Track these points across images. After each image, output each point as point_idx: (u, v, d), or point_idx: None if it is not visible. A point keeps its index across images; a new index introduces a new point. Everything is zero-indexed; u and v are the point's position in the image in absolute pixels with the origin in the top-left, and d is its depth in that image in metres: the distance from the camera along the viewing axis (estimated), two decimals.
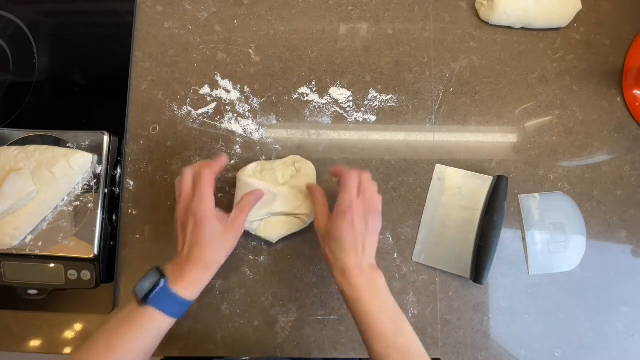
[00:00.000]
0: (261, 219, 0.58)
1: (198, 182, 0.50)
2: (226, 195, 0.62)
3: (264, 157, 0.63)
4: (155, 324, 0.46)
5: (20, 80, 0.66)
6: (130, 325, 0.45)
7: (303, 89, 0.65)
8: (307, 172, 0.60)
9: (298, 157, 0.61)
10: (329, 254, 0.50)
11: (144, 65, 0.65)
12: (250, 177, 0.58)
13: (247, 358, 0.61)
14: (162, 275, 0.47)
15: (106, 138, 0.60)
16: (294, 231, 0.60)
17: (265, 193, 0.56)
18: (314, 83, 0.65)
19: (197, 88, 0.65)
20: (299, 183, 0.59)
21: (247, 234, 0.59)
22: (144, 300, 0.45)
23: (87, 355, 0.44)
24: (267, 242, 0.60)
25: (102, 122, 0.63)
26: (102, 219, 0.58)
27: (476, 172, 0.63)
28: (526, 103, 0.65)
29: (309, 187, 0.57)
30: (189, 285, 0.47)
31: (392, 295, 0.49)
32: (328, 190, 0.58)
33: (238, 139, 0.64)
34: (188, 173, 0.51)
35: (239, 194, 0.57)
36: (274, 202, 0.57)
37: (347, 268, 0.48)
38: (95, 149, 0.60)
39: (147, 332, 0.46)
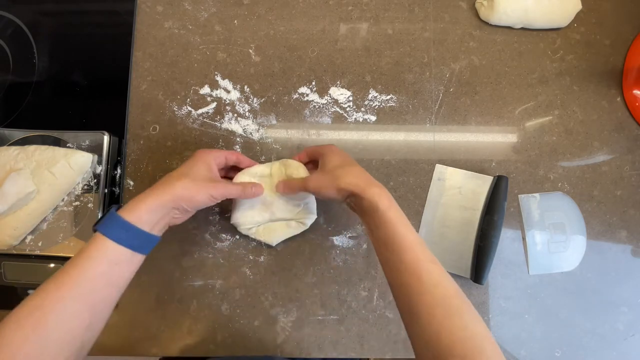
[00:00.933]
0: (260, 225, 0.58)
1: (228, 152, 0.54)
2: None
3: (264, 157, 0.63)
4: (104, 251, 0.43)
5: (20, 80, 0.66)
6: (81, 254, 0.43)
7: (303, 89, 0.65)
8: (300, 174, 0.58)
9: (286, 160, 0.58)
10: (341, 183, 0.48)
11: (144, 65, 0.65)
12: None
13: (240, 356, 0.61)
14: (116, 205, 0.46)
15: (106, 138, 0.60)
16: (293, 234, 0.60)
17: (264, 200, 0.56)
18: (314, 83, 0.65)
19: (197, 88, 0.65)
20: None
21: (246, 236, 0.59)
22: (94, 227, 0.44)
23: (42, 287, 0.41)
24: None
25: (102, 122, 0.63)
26: None
27: (476, 172, 0.63)
28: (526, 103, 0.65)
29: (286, 183, 0.56)
30: (140, 212, 0.44)
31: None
32: None
33: (238, 139, 0.64)
34: (230, 152, 0.55)
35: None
36: (273, 209, 0.57)
37: (366, 185, 0.47)
38: (95, 149, 0.60)
39: (97, 260, 0.42)
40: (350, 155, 0.63)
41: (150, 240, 0.46)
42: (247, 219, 0.57)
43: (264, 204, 0.57)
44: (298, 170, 0.56)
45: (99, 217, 0.45)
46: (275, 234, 0.59)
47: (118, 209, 0.45)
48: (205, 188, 0.48)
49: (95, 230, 0.44)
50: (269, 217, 0.57)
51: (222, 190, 0.50)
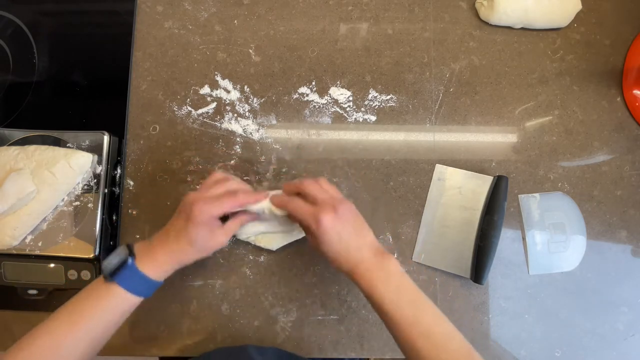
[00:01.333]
0: (259, 234, 0.58)
1: (226, 197, 0.49)
2: None
3: (263, 158, 0.63)
4: (120, 302, 0.46)
5: (20, 80, 0.66)
6: (95, 301, 0.45)
7: (303, 89, 0.65)
8: None
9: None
10: (332, 263, 0.49)
11: (144, 65, 0.65)
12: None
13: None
14: (131, 252, 0.47)
15: (106, 138, 0.60)
16: (293, 240, 0.59)
17: (264, 213, 0.54)
18: (314, 83, 0.65)
19: (197, 88, 0.65)
20: None
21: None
22: (110, 276, 0.45)
23: (49, 330, 0.44)
24: None
25: (102, 122, 0.63)
26: (102, 219, 0.58)
27: (476, 172, 0.63)
28: (526, 103, 0.65)
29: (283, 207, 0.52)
30: (156, 267, 0.47)
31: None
32: None
33: (238, 139, 0.64)
34: (232, 182, 0.52)
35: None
36: (274, 222, 0.56)
37: (352, 268, 0.47)
38: (95, 149, 0.60)
39: (112, 310, 0.46)
40: (350, 155, 0.63)
41: (159, 285, 0.49)
42: (246, 228, 0.56)
43: (264, 219, 0.56)
44: None
45: (112, 261, 0.46)
46: (275, 241, 0.59)
47: (132, 257, 0.47)
48: (212, 249, 0.51)
49: (111, 280, 0.45)
50: (269, 229, 0.57)
51: (225, 241, 0.51)
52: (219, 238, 0.50)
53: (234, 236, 0.60)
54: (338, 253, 0.47)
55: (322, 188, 0.50)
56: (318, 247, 0.48)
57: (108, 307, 0.46)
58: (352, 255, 0.47)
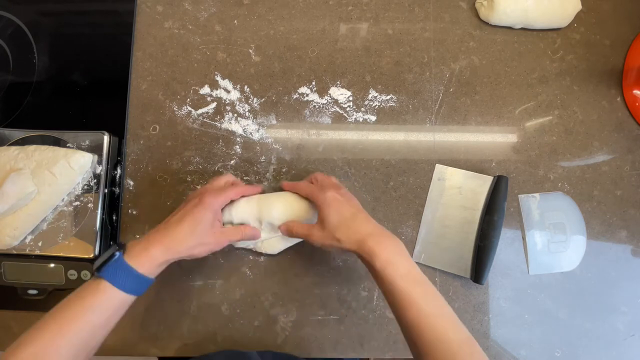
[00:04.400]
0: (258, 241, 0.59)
1: (230, 187, 0.54)
2: None
3: (263, 158, 0.63)
4: (107, 299, 0.44)
5: (20, 80, 0.66)
6: (83, 300, 0.44)
7: (303, 89, 0.65)
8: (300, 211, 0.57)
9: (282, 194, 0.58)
10: (342, 244, 0.48)
11: (144, 65, 0.65)
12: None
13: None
14: (120, 247, 0.46)
15: (106, 138, 0.60)
16: (293, 244, 0.59)
17: (266, 225, 0.56)
18: (314, 83, 0.65)
19: (197, 88, 0.65)
20: (298, 214, 0.57)
21: None
22: (97, 271, 0.44)
23: (32, 338, 0.42)
24: None
25: (102, 122, 0.63)
26: (102, 219, 0.58)
27: (476, 172, 0.63)
28: (526, 103, 0.65)
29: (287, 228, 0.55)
30: (147, 261, 0.46)
31: None
32: None
33: (238, 139, 0.64)
34: (230, 177, 0.57)
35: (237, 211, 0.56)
36: (273, 229, 0.57)
37: (361, 241, 0.46)
38: (95, 149, 0.60)
39: (101, 307, 0.44)
40: (350, 155, 0.63)
41: (150, 282, 0.47)
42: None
43: (267, 228, 0.57)
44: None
45: (100, 258, 0.45)
46: (276, 246, 0.59)
47: (120, 252, 0.46)
48: (207, 246, 0.50)
49: (99, 276, 0.44)
50: (270, 235, 0.57)
51: (224, 244, 0.52)
52: (217, 237, 0.51)
53: (235, 247, 0.60)
54: (346, 218, 0.48)
55: (324, 176, 0.56)
56: (325, 221, 0.49)
57: (95, 305, 0.43)
58: (360, 224, 0.48)
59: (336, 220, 0.49)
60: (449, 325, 0.43)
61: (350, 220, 0.48)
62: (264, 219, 0.56)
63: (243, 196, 0.56)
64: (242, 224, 0.56)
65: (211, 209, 0.50)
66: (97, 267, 0.45)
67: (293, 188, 0.57)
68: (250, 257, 0.61)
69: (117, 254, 0.45)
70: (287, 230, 0.54)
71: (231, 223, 0.57)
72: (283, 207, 0.56)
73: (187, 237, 0.48)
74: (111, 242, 0.60)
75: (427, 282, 0.45)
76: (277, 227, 0.55)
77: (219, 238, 0.51)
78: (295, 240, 0.59)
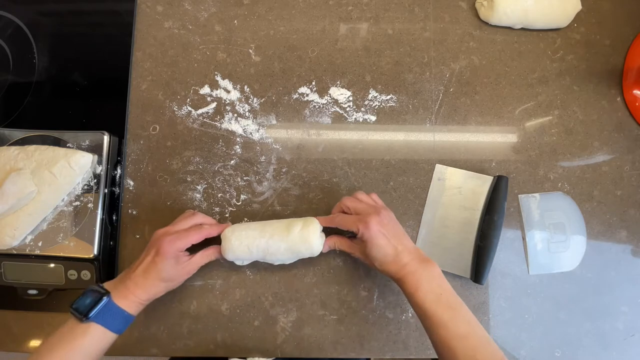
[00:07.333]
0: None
1: (193, 230, 0.53)
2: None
3: (264, 158, 0.63)
4: (97, 340, 0.47)
5: (20, 80, 0.66)
6: (73, 343, 0.46)
7: (303, 89, 0.65)
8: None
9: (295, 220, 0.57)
10: (380, 266, 0.52)
11: (144, 65, 0.65)
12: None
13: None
14: (104, 291, 0.48)
15: (106, 138, 0.60)
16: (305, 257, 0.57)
17: (270, 243, 0.55)
18: (314, 83, 0.65)
19: (197, 88, 0.65)
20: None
21: None
22: (86, 316, 0.46)
23: None
24: None
25: (102, 122, 0.63)
26: (102, 219, 0.58)
27: (476, 172, 0.63)
28: (526, 103, 0.65)
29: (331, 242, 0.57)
30: (131, 302, 0.49)
31: (439, 285, 0.49)
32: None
33: (238, 139, 0.64)
34: (198, 217, 0.56)
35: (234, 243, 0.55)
36: (281, 251, 0.55)
37: (399, 270, 0.50)
38: (95, 149, 0.60)
39: (90, 349, 0.46)
40: (350, 155, 0.63)
41: (132, 320, 0.50)
42: (242, 254, 0.55)
43: (271, 248, 0.55)
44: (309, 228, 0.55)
45: (85, 301, 0.47)
46: (277, 256, 0.56)
47: (109, 296, 0.48)
48: (181, 278, 0.54)
49: (87, 319, 0.46)
50: (276, 259, 0.56)
51: (195, 270, 0.55)
52: (187, 268, 0.54)
53: (243, 265, 0.60)
54: (388, 255, 0.51)
55: (358, 199, 0.55)
56: (369, 254, 0.52)
57: (84, 346, 0.46)
58: (400, 257, 0.50)
59: (381, 257, 0.51)
60: (478, 345, 0.45)
61: (392, 257, 0.51)
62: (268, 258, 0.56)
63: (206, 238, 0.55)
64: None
65: (170, 256, 0.51)
66: (85, 311, 0.46)
67: (331, 223, 0.55)
68: None
69: (106, 297, 0.47)
70: (332, 247, 0.57)
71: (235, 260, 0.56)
72: (285, 251, 0.55)
73: (157, 284, 0.51)
74: (111, 242, 0.60)
75: (458, 305, 0.48)
76: (324, 242, 0.56)
77: (188, 268, 0.54)
78: (307, 256, 0.56)
